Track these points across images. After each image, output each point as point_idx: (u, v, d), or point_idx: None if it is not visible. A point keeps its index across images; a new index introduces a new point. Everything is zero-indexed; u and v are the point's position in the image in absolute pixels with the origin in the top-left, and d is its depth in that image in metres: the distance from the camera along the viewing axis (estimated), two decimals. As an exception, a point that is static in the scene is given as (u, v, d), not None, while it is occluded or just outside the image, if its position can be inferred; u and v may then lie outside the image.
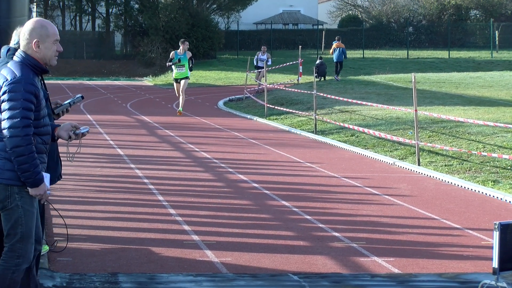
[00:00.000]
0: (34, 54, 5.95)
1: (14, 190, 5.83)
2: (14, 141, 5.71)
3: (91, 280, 7.81)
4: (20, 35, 6.02)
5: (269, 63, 36.34)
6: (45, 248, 8.32)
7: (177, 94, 26.44)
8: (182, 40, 27.25)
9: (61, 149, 6.95)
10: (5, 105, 5.76)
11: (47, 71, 6.06)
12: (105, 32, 67.04)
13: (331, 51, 39.84)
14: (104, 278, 7.90)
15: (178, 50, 25.74)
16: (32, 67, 5.92)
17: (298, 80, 39.09)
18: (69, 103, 6.83)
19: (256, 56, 37.10)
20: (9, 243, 5.88)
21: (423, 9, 70.13)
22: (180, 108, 25.94)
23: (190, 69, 25.96)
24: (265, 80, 29.39)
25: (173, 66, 25.73)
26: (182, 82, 25.64)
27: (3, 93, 5.77)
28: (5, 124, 5.74)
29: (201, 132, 21.25)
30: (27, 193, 5.86)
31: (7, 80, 5.79)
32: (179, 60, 25.37)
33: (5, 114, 5.74)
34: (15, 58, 6.00)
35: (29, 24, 6.00)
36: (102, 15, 68.19)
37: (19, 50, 6.04)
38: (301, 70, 39.32)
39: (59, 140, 6.37)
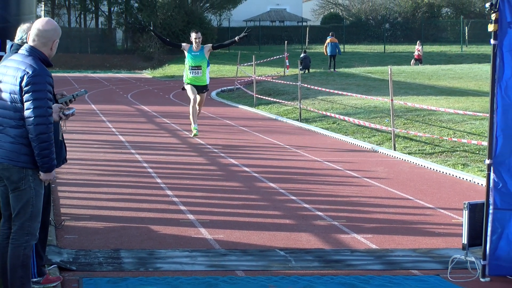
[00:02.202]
0: (47, 51, 5.94)
1: (29, 172, 5.86)
2: (40, 129, 5.73)
3: (95, 255, 7.81)
4: (35, 33, 5.92)
5: None
6: None
7: (191, 110, 17.38)
8: (194, 31, 17.87)
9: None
10: (29, 96, 5.75)
11: (51, 65, 6.06)
12: (108, 28, 66.94)
13: (324, 46, 39.54)
14: (107, 253, 7.90)
15: (193, 46, 17.44)
16: (41, 61, 5.92)
17: (284, 72, 39.02)
18: (72, 95, 6.80)
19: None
20: (18, 221, 5.90)
21: (398, 7, 70.08)
22: (195, 125, 17.31)
23: (234, 42, 18.02)
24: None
25: (186, 68, 17.90)
26: (201, 95, 17.80)
27: (26, 85, 5.76)
28: (31, 113, 5.74)
29: (195, 120, 21.16)
30: (38, 176, 5.89)
31: (27, 73, 5.78)
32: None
33: (31, 104, 5.74)
34: (22, 51, 5.93)
35: (48, 24, 5.94)
36: (104, 13, 68.05)
37: (26, 45, 5.98)
38: (288, 63, 39.24)
39: None
